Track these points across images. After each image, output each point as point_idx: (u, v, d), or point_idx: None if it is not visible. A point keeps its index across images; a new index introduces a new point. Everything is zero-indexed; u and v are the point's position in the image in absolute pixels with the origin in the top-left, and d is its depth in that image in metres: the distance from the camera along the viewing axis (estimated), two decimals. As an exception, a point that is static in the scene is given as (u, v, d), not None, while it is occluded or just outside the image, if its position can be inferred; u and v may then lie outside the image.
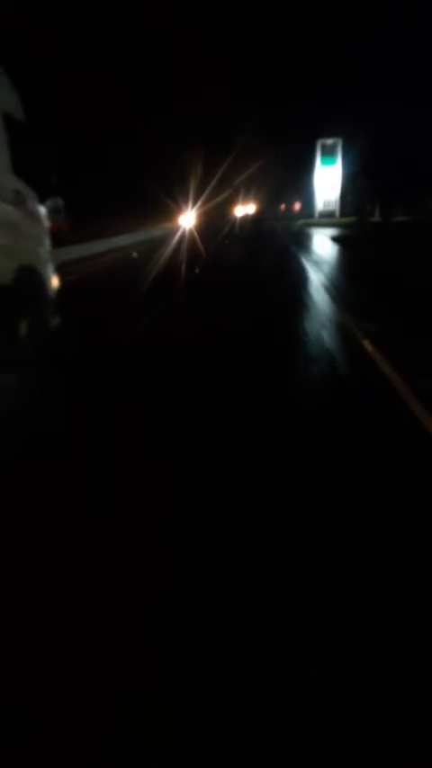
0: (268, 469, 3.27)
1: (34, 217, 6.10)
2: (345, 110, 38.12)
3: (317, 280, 11.09)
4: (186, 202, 37.28)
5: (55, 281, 6.68)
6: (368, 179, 34.71)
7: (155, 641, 2.01)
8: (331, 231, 25.65)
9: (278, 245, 21.72)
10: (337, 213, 37.06)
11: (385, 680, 1.80)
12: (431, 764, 1.57)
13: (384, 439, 3.59)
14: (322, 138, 37.28)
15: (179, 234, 28.26)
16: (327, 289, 9.85)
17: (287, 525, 2.69)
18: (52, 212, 7.17)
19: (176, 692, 1.79)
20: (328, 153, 37.32)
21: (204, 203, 40.94)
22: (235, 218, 49.68)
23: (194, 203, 38.59)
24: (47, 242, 6.47)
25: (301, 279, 11.58)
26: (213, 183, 41.44)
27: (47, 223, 6.51)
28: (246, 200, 61.21)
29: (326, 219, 35.46)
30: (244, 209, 59.18)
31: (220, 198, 47.49)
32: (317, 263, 13.85)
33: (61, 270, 7.12)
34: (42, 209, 6.33)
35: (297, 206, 51.05)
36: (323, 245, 20.04)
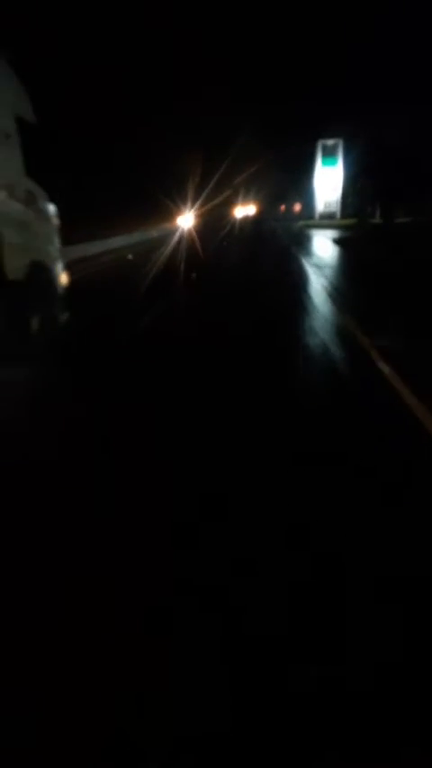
0: (268, 469, 3.27)
1: (44, 215, 6.34)
2: (345, 110, 38.13)
3: (319, 285, 10.45)
4: (185, 203, 37.35)
5: (64, 278, 6.89)
6: (369, 180, 34.72)
7: (155, 641, 2.01)
8: (332, 233, 25.38)
9: (278, 245, 21.69)
10: (338, 215, 37.02)
11: (385, 680, 1.81)
12: (431, 764, 1.57)
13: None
14: (323, 139, 37.27)
15: (177, 235, 28.27)
16: (332, 297, 9.02)
17: (287, 525, 2.69)
18: None
19: (176, 692, 1.79)
20: (329, 153, 37.28)
21: (203, 204, 41.01)
22: (235, 219, 49.77)
23: (193, 204, 38.67)
24: (56, 240, 6.71)
25: (302, 282, 11.00)
26: (212, 183, 41.53)
27: (56, 221, 6.73)
28: (245, 201, 61.33)
29: (326, 221, 35.41)
30: (244, 210, 59.28)
31: (219, 199, 47.59)
32: (319, 267, 13.23)
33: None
34: (52, 208, 6.56)
35: (297, 207, 51.09)
36: (324, 246, 19.74)
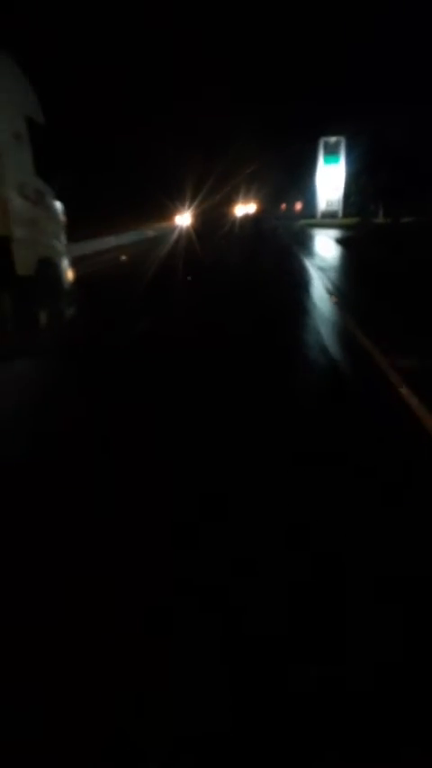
0: (268, 469, 3.27)
1: (52, 213, 6.57)
2: (346, 109, 38.08)
3: (323, 289, 9.48)
4: (184, 202, 37.31)
5: (70, 274, 7.12)
6: (371, 178, 34.55)
7: (155, 641, 2.01)
8: (335, 232, 24.97)
9: (279, 245, 21.56)
10: (340, 213, 36.86)
11: (385, 682, 1.81)
12: (431, 764, 1.57)
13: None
14: (325, 136, 37.07)
15: (175, 234, 28.21)
16: (344, 307, 7.89)
17: (287, 525, 2.69)
18: None
19: (176, 691, 1.79)
20: (332, 151, 37.03)
21: (203, 202, 40.98)
22: (235, 217, 49.66)
23: (192, 203, 38.64)
24: (63, 237, 6.94)
25: (308, 288, 9.93)
26: (213, 182, 41.52)
27: (63, 219, 6.95)
28: (246, 200, 61.23)
29: (328, 220, 35.25)
30: (244, 209, 59.14)
31: (219, 197, 47.56)
32: (323, 270, 12.03)
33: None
34: (59, 206, 6.78)
35: (298, 206, 50.94)
36: (327, 246, 19.16)
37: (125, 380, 5.20)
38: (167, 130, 37.94)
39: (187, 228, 31.92)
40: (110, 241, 23.14)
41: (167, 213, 36.77)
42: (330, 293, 9.05)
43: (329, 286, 9.85)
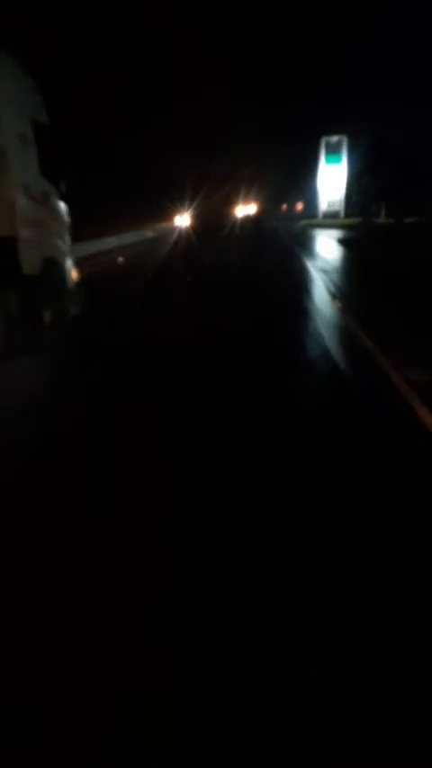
0: (268, 469, 3.27)
1: (57, 213, 6.65)
2: (346, 109, 38.04)
3: (325, 290, 9.36)
4: (183, 202, 37.35)
5: (74, 274, 7.22)
6: (374, 178, 34.45)
7: (155, 641, 2.01)
8: (337, 233, 24.79)
9: (279, 246, 21.53)
10: (342, 214, 36.71)
11: (385, 682, 1.80)
12: (431, 764, 1.57)
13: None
14: (327, 136, 36.89)
15: (175, 235, 28.18)
16: (346, 309, 7.70)
17: (287, 525, 2.69)
18: None
19: (176, 691, 1.79)
20: (333, 151, 36.77)
21: (204, 203, 41.01)
22: (235, 218, 49.65)
23: (192, 203, 38.68)
24: (67, 237, 7.02)
25: (309, 289, 9.79)
26: (212, 182, 41.54)
27: (67, 219, 7.04)
28: (247, 201, 61.22)
29: (330, 220, 35.11)
30: (245, 210, 59.13)
31: (219, 198, 47.58)
32: (325, 271, 11.85)
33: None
34: (63, 207, 6.86)
35: (299, 206, 50.89)
36: (329, 248, 18.88)
37: (126, 380, 5.20)
38: (167, 130, 38.00)
39: (187, 229, 31.92)
40: (111, 242, 23.15)
41: (167, 214, 36.79)
42: (332, 295, 8.94)
43: (331, 287, 9.79)
